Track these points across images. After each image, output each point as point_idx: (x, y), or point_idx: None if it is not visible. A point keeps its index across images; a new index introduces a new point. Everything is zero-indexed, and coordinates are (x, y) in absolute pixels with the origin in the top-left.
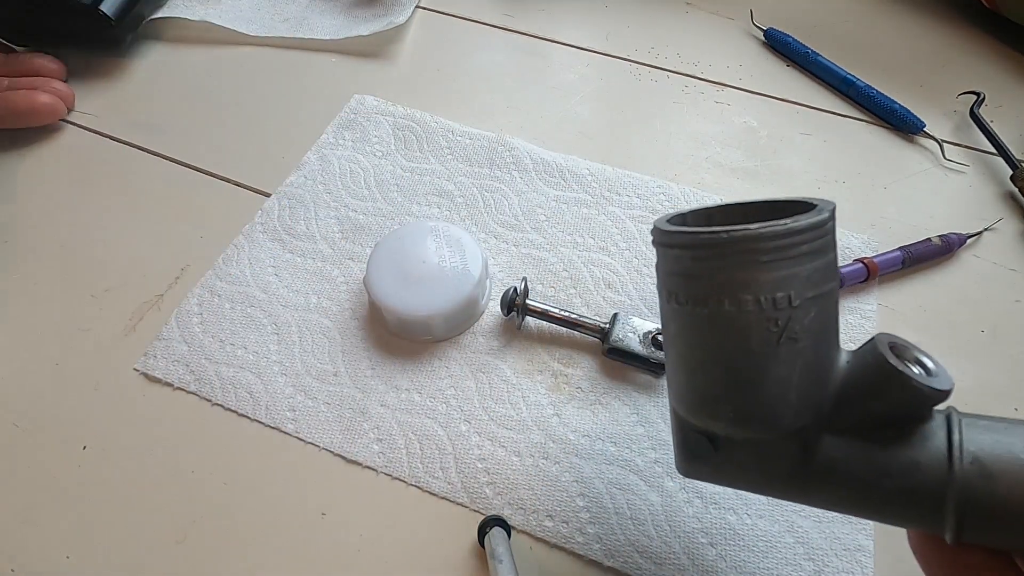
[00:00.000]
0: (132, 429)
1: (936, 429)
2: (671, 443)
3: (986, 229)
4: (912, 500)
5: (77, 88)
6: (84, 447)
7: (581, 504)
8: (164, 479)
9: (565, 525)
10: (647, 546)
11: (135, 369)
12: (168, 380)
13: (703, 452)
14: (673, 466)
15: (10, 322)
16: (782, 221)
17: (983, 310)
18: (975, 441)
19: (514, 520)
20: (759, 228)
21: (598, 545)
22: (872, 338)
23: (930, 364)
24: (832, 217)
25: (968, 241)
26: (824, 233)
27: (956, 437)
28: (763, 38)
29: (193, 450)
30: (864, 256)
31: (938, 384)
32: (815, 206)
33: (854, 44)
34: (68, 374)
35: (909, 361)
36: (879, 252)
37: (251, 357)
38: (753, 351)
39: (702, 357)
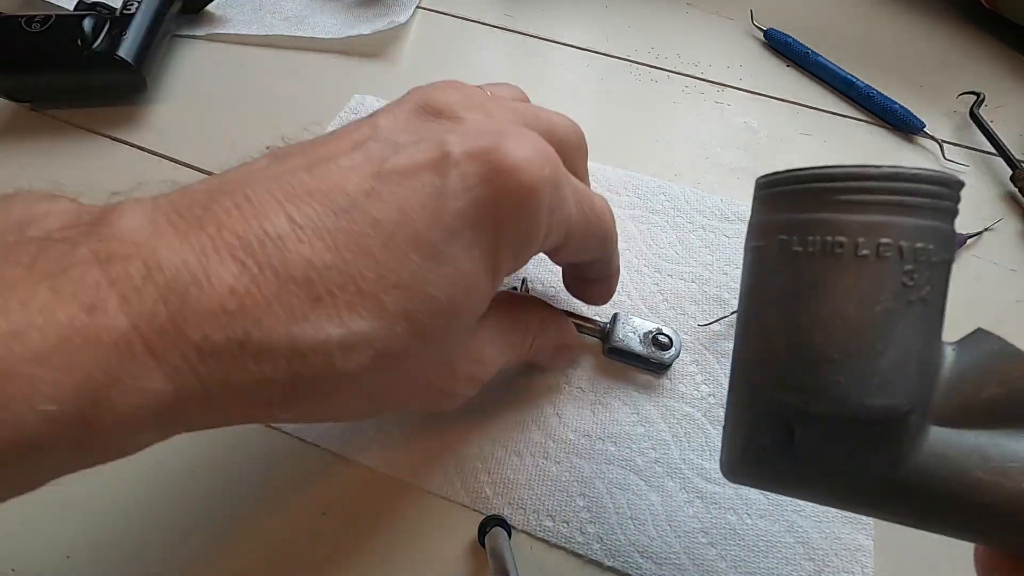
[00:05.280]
0: None
1: None
2: (672, 443)
3: (986, 229)
4: None
5: None
6: None
7: (581, 504)
8: (164, 479)
9: (565, 525)
10: (647, 546)
11: None
12: None
13: (777, 444)
14: (673, 466)
15: None
16: (936, 169)
17: (983, 310)
18: None
19: (514, 520)
20: (914, 169)
21: (598, 545)
22: (976, 329)
23: None
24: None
25: (968, 241)
26: (958, 199)
27: None
28: (763, 38)
29: (193, 450)
30: None
31: None
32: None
33: (854, 44)
34: None
35: None
36: None
37: None
38: (883, 306)
39: (819, 312)
